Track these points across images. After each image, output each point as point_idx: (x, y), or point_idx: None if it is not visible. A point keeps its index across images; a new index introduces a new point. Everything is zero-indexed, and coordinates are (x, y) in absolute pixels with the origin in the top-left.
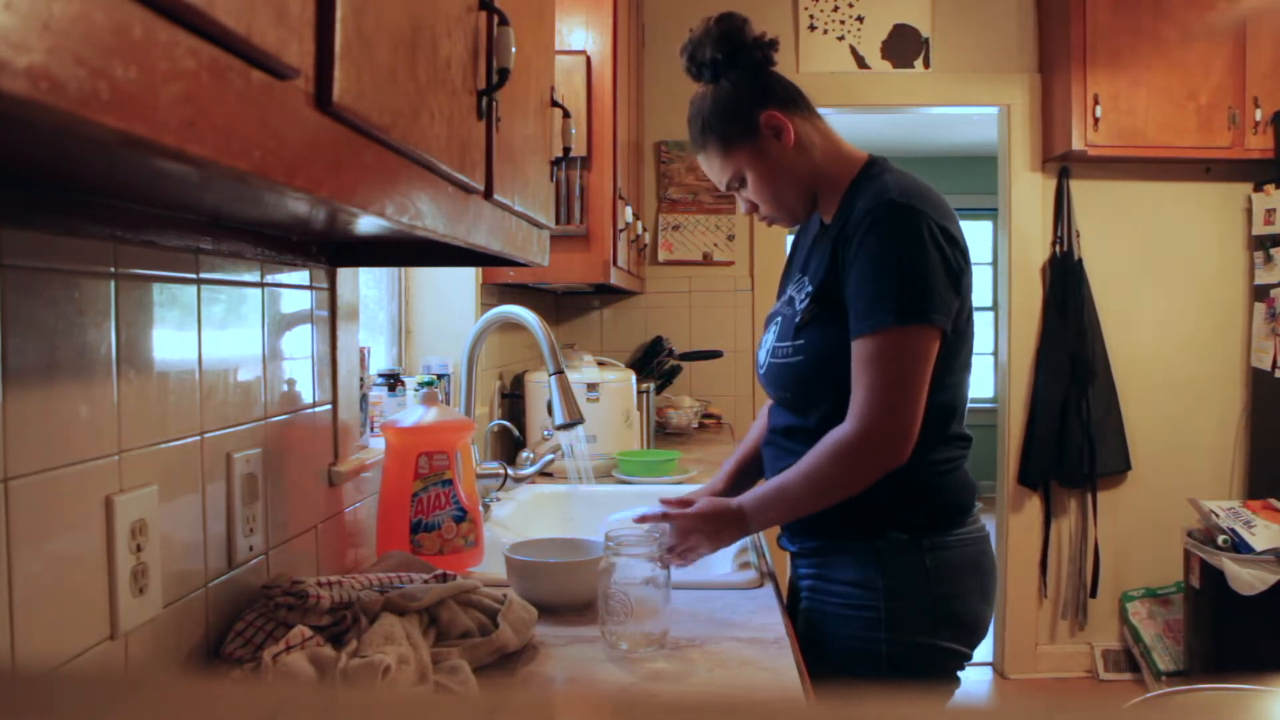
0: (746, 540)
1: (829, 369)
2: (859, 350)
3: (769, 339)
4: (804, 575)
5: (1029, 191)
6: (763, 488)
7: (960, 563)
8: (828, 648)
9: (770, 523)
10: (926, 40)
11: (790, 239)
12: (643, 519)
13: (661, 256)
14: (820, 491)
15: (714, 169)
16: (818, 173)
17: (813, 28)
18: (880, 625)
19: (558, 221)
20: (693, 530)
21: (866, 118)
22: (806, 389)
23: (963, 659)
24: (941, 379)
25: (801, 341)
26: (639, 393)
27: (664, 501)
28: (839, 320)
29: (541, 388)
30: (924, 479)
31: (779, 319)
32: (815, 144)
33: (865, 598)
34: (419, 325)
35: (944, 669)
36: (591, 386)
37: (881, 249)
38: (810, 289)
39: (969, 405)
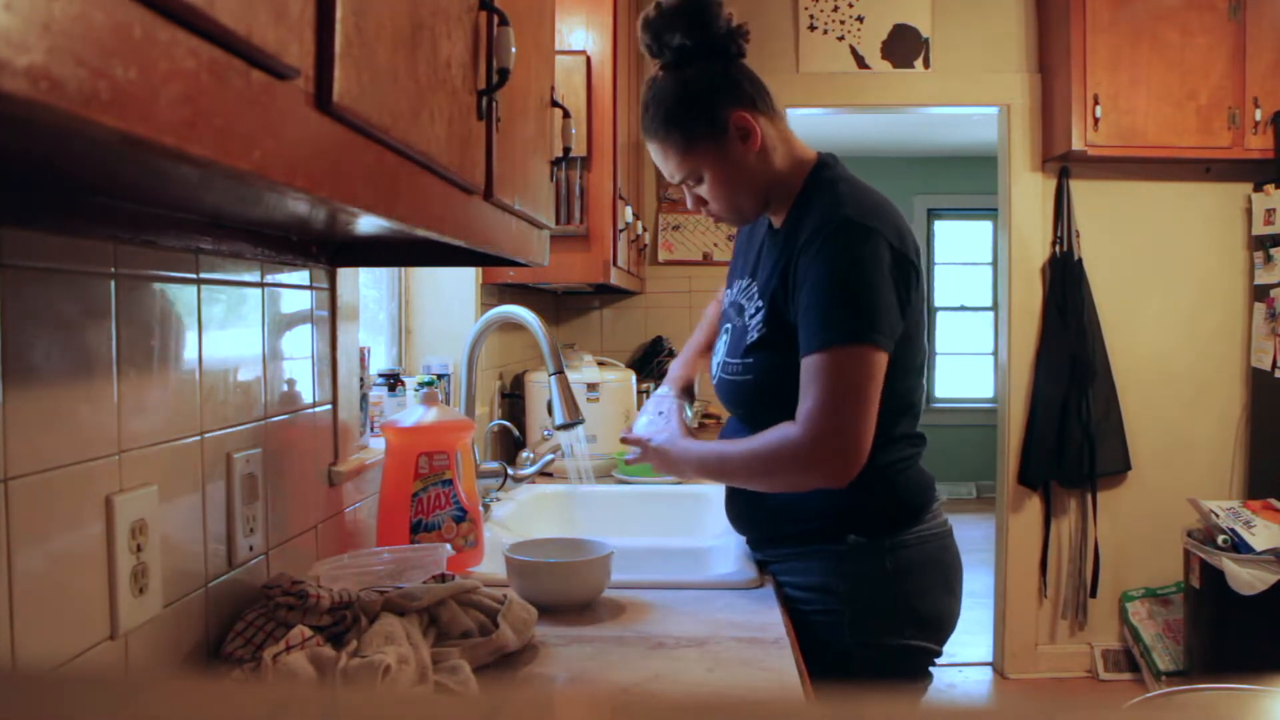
0: (746, 548)
1: (779, 389)
2: (808, 365)
3: (720, 350)
4: (777, 582)
5: (1029, 191)
6: (709, 449)
7: (921, 560)
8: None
9: (702, 479)
10: (926, 40)
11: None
12: (625, 440)
13: (661, 256)
14: (753, 479)
15: (670, 162)
16: (775, 178)
17: (813, 28)
18: (845, 629)
19: (558, 221)
20: (647, 458)
21: (866, 118)
22: (756, 408)
23: (932, 655)
24: (892, 385)
25: (751, 360)
26: (639, 393)
27: (626, 440)
28: (789, 341)
29: (541, 388)
30: (878, 480)
31: (729, 329)
32: (776, 148)
33: (829, 602)
34: (419, 325)
35: (913, 667)
36: (591, 386)
37: (834, 268)
38: (761, 305)
39: (971, 405)
